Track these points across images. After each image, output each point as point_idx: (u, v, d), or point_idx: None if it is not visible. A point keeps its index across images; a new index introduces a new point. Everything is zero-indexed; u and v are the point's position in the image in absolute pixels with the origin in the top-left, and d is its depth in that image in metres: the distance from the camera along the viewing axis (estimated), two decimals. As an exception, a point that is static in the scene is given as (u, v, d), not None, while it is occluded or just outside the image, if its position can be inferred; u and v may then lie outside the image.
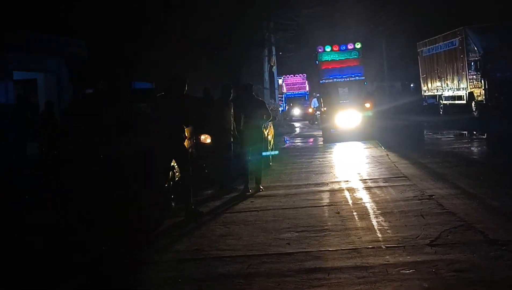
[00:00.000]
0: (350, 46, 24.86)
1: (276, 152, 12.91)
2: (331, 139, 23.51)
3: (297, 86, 49.44)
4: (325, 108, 25.04)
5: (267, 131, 16.88)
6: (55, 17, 21.86)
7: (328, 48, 25.01)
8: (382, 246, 8.03)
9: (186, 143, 11.33)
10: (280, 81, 48.68)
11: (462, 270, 6.77)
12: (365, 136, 22.90)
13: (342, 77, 24.69)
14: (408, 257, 7.41)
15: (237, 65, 30.51)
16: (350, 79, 24.62)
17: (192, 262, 7.92)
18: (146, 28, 25.50)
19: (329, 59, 24.99)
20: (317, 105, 33.88)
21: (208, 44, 28.94)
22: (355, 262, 7.37)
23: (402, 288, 6.35)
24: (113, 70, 24.80)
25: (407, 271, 6.85)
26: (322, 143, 24.16)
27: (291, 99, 47.35)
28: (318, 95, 33.60)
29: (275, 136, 21.21)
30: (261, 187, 13.49)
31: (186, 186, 11.26)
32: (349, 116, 23.84)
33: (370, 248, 7.99)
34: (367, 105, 23.62)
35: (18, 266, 8.39)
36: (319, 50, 25.27)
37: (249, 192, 13.12)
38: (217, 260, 7.90)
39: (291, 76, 48.22)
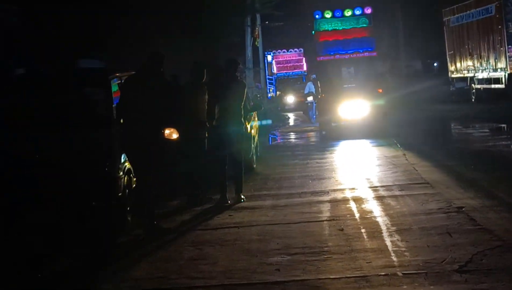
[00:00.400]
0: (357, 11, 23.73)
1: (269, 121, 12.45)
2: (331, 135, 22.30)
3: (291, 64, 48.09)
4: (323, 95, 23.70)
5: (250, 124, 16.95)
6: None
7: (328, 14, 23.82)
8: (398, 273, 8.17)
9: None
10: (269, 58, 47.92)
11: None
12: (376, 131, 21.45)
13: (346, 53, 23.56)
14: (431, 287, 7.53)
15: (212, 40, 30.44)
16: (358, 55, 23.54)
17: None
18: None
19: (330, 29, 23.84)
20: (313, 90, 31.79)
21: (176, 12, 28.92)
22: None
23: (424, 329, 6.47)
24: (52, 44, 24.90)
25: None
26: (319, 140, 23.45)
27: (284, 81, 46.77)
28: (314, 76, 32.38)
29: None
30: (242, 197, 13.43)
31: (147, 195, 11.38)
32: (355, 105, 22.08)
33: (383, 275, 8.12)
34: (379, 90, 22.22)
35: None
36: (317, 16, 24.05)
37: (227, 203, 13.20)
38: (187, 294, 8.01)
39: (284, 52, 47.21)
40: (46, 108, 11.92)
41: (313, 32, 24.66)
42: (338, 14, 23.32)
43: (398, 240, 9.70)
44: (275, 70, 46.74)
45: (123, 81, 12.34)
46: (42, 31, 24.69)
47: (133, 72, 12.31)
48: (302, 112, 42.34)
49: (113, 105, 11.86)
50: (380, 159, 18.31)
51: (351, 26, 23.44)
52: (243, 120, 13.83)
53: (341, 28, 23.41)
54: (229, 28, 33.54)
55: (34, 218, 10.57)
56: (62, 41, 25.36)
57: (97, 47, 27.96)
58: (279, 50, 46.86)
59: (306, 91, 37.00)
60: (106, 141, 11.28)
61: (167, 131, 13.82)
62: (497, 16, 34.53)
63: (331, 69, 23.16)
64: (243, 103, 13.66)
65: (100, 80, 12.72)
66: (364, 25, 23.37)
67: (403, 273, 8.09)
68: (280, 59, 46.30)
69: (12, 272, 9.34)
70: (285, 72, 44.08)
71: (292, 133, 29.98)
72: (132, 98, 11.08)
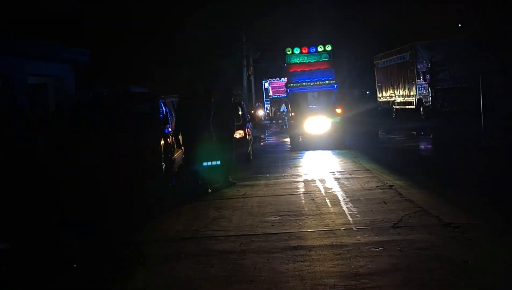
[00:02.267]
0: (320, 48, 21.70)
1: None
2: (299, 147, 20.76)
3: (282, 89, 47.11)
4: (293, 113, 21.84)
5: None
6: (63, 27, 21.77)
7: (297, 50, 21.86)
8: (353, 227, 8.28)
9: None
10: (266, 85, 45.97)
11: (422, 248, 7.02)
12: (336, 143, 20.05)
13: (311, 81, 21.41)
14: (376, 237, 7.65)
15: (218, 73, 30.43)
16: (320, 82, 21.35)
17: (191, 241, 8.06)
18: (139, 42, 25.27)
19: (298, 62, 21.81)
20: (286, 110, 30.43)
21: (193, 55, 28.80)
22: (331, 241, 7.59)
23: (373, 263, 6.55)
24: (113, 76, 24.75)
25: (376, 249, 7.08)
26: (289, 149, 21.44)
27: (277, 101, 44.15)
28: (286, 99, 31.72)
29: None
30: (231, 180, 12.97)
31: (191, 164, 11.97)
32: (318, 122, 20.58)
33: (343, 229, 8.21)
34: (338, 110, 20.90)
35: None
36: (288, 52, 22.07)
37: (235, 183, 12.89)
38: (212, 239, 8.07)
39: (277, 80, 44.59)
40: (121, 115, 11.88)
41: (284, 64, 22.66)
42: (304, 50, 21.57)
43: (351, 207, 9.73)
44: (270, 93, 44.80)
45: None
46: (106, 65, 24.60)
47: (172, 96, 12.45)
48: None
49: (160, 117, 11.89)
50: (335, 156, 17.85)
51: (315, 60, 21.45)
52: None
53: (307, 62, 21.52)
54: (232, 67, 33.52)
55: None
56: (119, 72, 25.32)
57: (143, 76, 27.93)
58: (273, 79, 44.30)
59: (281, 110, 36.45)
60: (151, 135, 11.16)
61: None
62: (410, 60, 34.67)
63: (298, 93, 21.36)
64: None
65: (149, 100, 12.65)
66: (326, 59, 21.40)
67: (356, 228, 8.20)
68: (274, 85, 43.96)
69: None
70: (278, 95, 42.20)
71: (274, 137, 29.87)
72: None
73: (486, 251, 6.74)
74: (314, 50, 21.46)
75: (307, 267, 6.50)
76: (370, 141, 22.06)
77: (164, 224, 9.31)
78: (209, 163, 12.10)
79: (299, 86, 21.42)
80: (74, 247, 8.03)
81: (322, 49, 21.37)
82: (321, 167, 15.60)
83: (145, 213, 10.15)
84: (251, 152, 17.78)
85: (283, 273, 6.37)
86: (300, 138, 20.87)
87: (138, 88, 27.16)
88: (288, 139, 22.90)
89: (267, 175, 14.53)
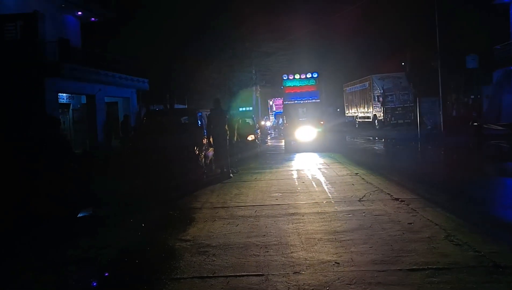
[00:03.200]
0: (308, 75, 20.82)
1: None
2: (291, 149, 19.70)
3: (282, 106, 46.18)
4: (287, 124, 20.89)
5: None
6: (132, 65, 22.00)
7: (291, 76, 20.98)
8: (331, 201, 8.39)
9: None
10: (270, 103, 44.71)
11: (379, 214, 7.15)
12: (319, 146, 19.10)
13: (302, 100, 20.53)
14: (347, 207, 7.77)
15: (235, 95, 30.44)
16: (308, 101, 20.41)
17: (222, 209, 8.19)
18: (181, 76, 25.26)
19: (291, 85, 20.91)
20: (281, 122, 30.15)
21: (217, 84, 28.81)
22: (317, 210, 7.71)
23: (346, 224, 6.70)
24: (164, 97, 24.96)
25: (348, 215, 7.22)
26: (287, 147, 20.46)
27: (279, 115, 41.90)
28: (281, 113, 30.61)
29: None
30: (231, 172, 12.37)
31: (222, 158, 12.05)
32: (306, 130, 19.65)
33: (325, 202, 8.34)
34: (321, 122, 19.98)
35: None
36: (284, 77, 21.16)
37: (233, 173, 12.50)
38: (236, 208, 8.18)
39: (278, 99, 43.06)
40: (173, 124, 12.06)
41: (281, 87, 21.68)
42: (297, 76, 20.77)
43: (330, 187, 9.84)
44: (274, 109, 43.43)
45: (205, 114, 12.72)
46: (158, 89, 24.76)
47: (205, 110, 12.54)
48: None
49: (199, 124, 12.05)
50: (317, 155, 17.56)
51: (304, 84, 20.59)
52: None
53: (298, 85, 20.66)
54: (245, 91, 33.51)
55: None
56: (167, 94, 25.46)
57: (183, 97, 28.10)
58: (276, 98, 42.69)
59: (279, 122, 36.14)
60: (194, 138, 11.28)
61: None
62: (369, 88, 34.73)
63: (292, 109, 20.45)
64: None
65: (192, 113, 12.79)
66: (313, 83, 20.51)
67: (334, 201, 8.32)
68: (277, 103, 42.45)
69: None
70: (280, 110, 40.63)
71: (274, 140, 29.97)
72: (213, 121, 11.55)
73: (423, 217, 6.86)
74: (304, 76, 20.86)
75: (302, 227, 6.66)
76: (343, 145, 21.92)
77: (202, 197, 9.40)
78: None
79: (292, 103, 20.71)
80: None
81: (310, 75, 20.75)
82: (307, 161, 15.59)
83: (189, 189, 10.33)
84: (259, 150, 17.93)
85: (285, 230, 6.53)
86: (292, 143, 20.01)
87: (180, 105, 27.42)
88: (283, 143, 22.04)
89: (271, 166, 14.59)
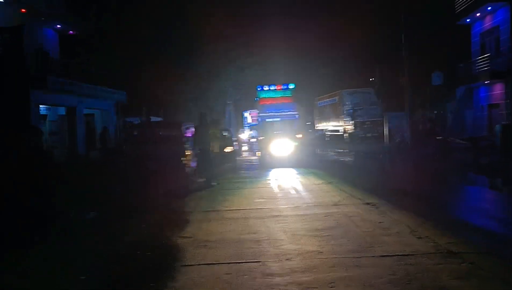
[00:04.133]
0: (284, 86, 19.83)
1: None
2: (266, 164, 18.66)
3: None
4: (262, 137, 19.83)
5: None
6: (109, 78, 22.66)
7: (266, 87, 19.96)
8: (310, 205, 9.43)
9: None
10: (245, 114, 42.34)
11: (353, 215, 8.23)
12: (296, 161, 18.40)
13: (277, 112, 19.49)
14: (325, 210, 8.82)
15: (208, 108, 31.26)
16: (284, 113, 19.40)
17: (212, 212, 9.07)
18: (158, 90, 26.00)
19: (266, 96, 19.94)
20: (256, 135, 27.52)
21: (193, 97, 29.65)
22: (298, 212, 8.73)
23: (325, 223, 7.75)
24: (140, 109, 25.67)
25: (326, 216, 8.27)
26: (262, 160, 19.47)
27: (253, 127, 41.46)
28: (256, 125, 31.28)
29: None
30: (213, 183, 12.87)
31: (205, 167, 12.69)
32: (282, 144, 18.76)
33: (304, 206, 9.38)
34: (299, 136, 19.21)
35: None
36: (259, 88, 20.12)
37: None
38: (225, 212, 9.07)
39: (255, 111, 42.64)
40: (160, 136, 12.92)
41: (256, 98, 20.71)
42: (272, 87, 19.94)
43: (307, 194, 10.91)
44: (250, 120, 41.26)
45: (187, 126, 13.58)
46: (135, 102, 25.46)
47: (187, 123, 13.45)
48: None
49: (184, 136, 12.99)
50: (292, 168, 17.69)
51: (280, 95, 19.83)
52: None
53: (274, 96, 19.88)
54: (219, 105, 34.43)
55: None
56: (144, 106, 26.17)
57: (159, 110, 28.79)
58: (252, 110, 39.74)
59: (252, 135, 33.89)
60: (181, 148, 12.13)
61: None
62: (338, 102, 35.72)
63: (267, 122, 19.67)
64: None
65: (177, 125, 13.68)
66: (289, 95, 19.79)
67: (313, 205, 9.37)
68: (253, 114, 40.94)
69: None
70: (255, 123, 40.67)
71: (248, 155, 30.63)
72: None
73: (391, 217, 7.98)
74: (279, 87, 19.93)
75: (286, 225, 7.67)
76: (315, 158, 22.65)
77: (192, 203, 10.28)
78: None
79: (267, 115, 19.68)
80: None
81: (286, 86, 19.86)
82: (284, 172, 16.42)
83: (177, 195, 11.18)
84: (237, 162, 18.82)
85: (273, 228, 7.52)
86: (267, 156, 18.93)
87: (155, 117, 28.16)
88: (257, 157, 20.95)
89: (250, 176, 15.47)
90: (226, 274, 5.34)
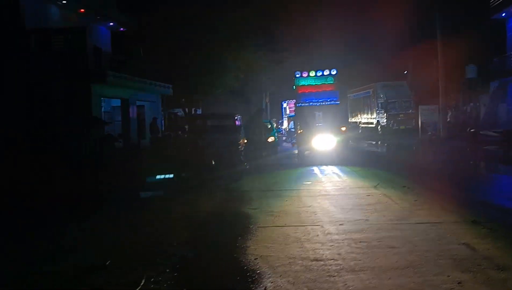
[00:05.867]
0: (326, 72, 18.04)
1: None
2: (304, 160, 17.22)
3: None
4: (301, 130, 18.22)
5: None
6: (155, 71, 24.50)
7: (305, 73, 18.23)
8: (353, 187, 10.92)
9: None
10: (284, 105, 41.20)
11: (391, 195, 9.70)
12: (339, 158, 16.67)
13: (318, 101, 17.86)
14: (366, 191, 10.29)
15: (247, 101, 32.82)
16: (326, 103, 17.82)
17: (268, 191, 10.71)
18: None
19: (306, 84, 18.14)
20: (292, 127, 28.46)
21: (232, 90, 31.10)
22: (343, 192, 10.26)
23: (367, 200, 9.26)
24: (185, 101, 27.52)
25: (368, 195, 9.79)
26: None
27: (292, 118, 35.65)
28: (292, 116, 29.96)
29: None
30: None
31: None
32: (323, 139, 17.11)
33: (348, 188, 10.85)
34: (343, 128, 17.91)
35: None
36: (297, 75, 18.40)
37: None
38: (279, 191, 10.70)
39: (293, 101, 37.71)
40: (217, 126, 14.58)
41: (294, 86, 18.73)
42: (312, 73, 18.04)
43: (348, 178, 12.43)
44: (288, 112, 39.78)
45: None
46: (180, 95, 27.25)
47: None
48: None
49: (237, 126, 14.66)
50: (335, 164, 16.55)
51: (321, 83, 17.94)
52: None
53: (314, 84, 17.99)
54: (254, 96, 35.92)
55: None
56: (187, 99, 27.98)
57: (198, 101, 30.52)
58: (290, 100, 38.17)
59: (289, 127, 33.86)
60: (235, 136, 13.74)
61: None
62: (372, 95, 36.90)
63: (306, 113, 17.92)
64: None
65: (231, 116, 15.33)
66: (331, 82, 17.91)
67: (356, 187, 10.85)
68: (291, 105, 37.69)
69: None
70: (294, 113, 37.81)
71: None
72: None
73: (424, 196, 9.47)
74: (320, 73, 18.20)
75: (335, 202, 9.28)
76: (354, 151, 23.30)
77: (248, 184, 11.94)
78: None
79: (307, 105, 18.10)
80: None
81: (328, 72, 18.11)
82: (325, 161, 16.50)
83: (233, 178, 12.86)
84: (278, 150, 20.35)
85: (324, 204, 9.13)
86: (307, 152, 17.59)
87: (198, 110, 30.00)
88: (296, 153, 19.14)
89: (294, 163, 16.89)
90: (294, 233, 6.98)
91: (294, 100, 33.42)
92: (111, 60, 22.34)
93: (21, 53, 17.73)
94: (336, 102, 18.06)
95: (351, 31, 36.23)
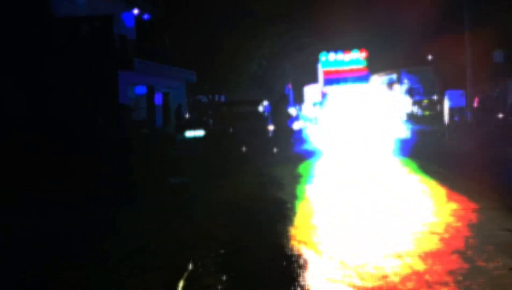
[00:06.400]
0: (354, 53, 16.66)
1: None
2: (332, 151, 14.90)
3: None
4: (327, 117, 16.22)
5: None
6: (179, 58, 24.64)
7: (331, 55, 16.71)
8: (388, 175, 10.86)
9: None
10: (308, 90, 36.65)
11: (424, 182, 9.61)
12: (373, 146, 14.88)
13: (346, 84, 16.29)
14: (400, 179, 10.23)
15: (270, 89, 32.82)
16: (356, 86, 16.11)
17: (284, 179, 10.73)
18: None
19: (333, 67, 16.65)
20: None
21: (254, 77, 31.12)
22: (377, 179, 10.23)
23: (402, 188, 9.19)
24: (209, 88, 27.63)
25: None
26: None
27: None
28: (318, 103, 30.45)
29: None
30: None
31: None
32: (356, 125, 15.19)
33: (381, 174, 10.81)
34: (379, 116, 15.75)
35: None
36: (322, 58, 16.98)
37: None
38: (287, 177, 10.75)
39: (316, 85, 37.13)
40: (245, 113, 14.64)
41: (318, 69, 17.19)
42: (339, 55, 16.55)
43: (380, 166, 12.35)
44: (312, 98, 39.08)
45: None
46: (204, 82, 27.34)
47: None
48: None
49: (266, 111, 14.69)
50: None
51: (349, 65, 16.56)
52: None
53: (341, 66, 16.61)
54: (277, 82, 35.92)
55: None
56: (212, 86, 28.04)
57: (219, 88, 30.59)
58: (313, 84, 36.50)
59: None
60: (264, 123, 13.76)
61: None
62: (396, 80, 36.38)
63: (334, 97, 15.96)
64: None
65: (260, 102, 15.33)
66: (361, 63, 16.62)
67: (390, 175, 10.81)
68: (315, 91, 37.15)
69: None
70: (318, 101, 37.03)
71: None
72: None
73: (455, 182, 9.35)
74: (348, 54, 16.79)
75: (370, 189, 9.22)
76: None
77: (277, 169, 11.98)
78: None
79: (334, 89, 16.35)
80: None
81: (357, 54, 16.67)
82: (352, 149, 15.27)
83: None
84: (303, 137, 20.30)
85: (358, 191, 9.09)
86: (335, 141, 15.65)
87: (222, 97, 30.09)
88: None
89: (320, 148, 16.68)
90: (331, 218, 6.97)
91: (319, 85, 32.45)
92: (137, 48, 22.49)
93: (49, 42, 17.98)
94: (367, 86, 16.29)
95: (376, 15, 35.70)
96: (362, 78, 16.50)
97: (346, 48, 18.00)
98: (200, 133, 12.84)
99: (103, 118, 14.49)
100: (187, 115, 23.28)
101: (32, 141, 11.07)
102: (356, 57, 16.71)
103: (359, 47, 18.27)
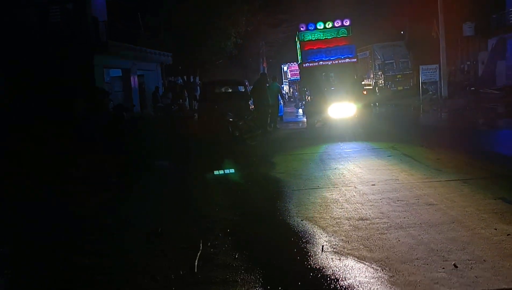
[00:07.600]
0: (337, 23, 14.95)
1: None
2: (316, 134, 14.18)
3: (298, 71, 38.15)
4: (311, 97, 15.33)
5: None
6: (156, 41, 24.28)
7: (311, 26, 14.99)
8: (372, 148, 11.07)
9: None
10: (285, 68, 38.57)
11: (413, 154, 9.85)
12: (364, 131, 13.59)
13: (329, 59, 14.68)
14: (386, 151, 10.47)
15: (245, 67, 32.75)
16: (340, 61, 14.62)
17: (289, 155, 10.80)
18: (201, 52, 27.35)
19: (313, 39, 14.99)
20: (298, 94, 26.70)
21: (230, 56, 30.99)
22: (363, 154, 10.44)
23: (390, 161, 9.44)
24: (185, 70, 27.37)
25: (389, 156, 9.93)
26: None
27: (294, 82, 35.02)
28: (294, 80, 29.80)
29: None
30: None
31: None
32: (343, 106, 14.03)
33: (367, 149, 11.02)
34: (364, 92, 15.33)
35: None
36: (301, 28, 15.11)
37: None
38: (299, 155, 10.84)
39: (294, 64, 34.49)
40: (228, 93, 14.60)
41: (298, 43, 15.64)
42: (320, 26, 14.87)
43: (366, 138, 12.60)
44: (289, 75, 37.70)
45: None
46: (179, 64, 27.06)
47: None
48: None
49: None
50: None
51: (332, 36, 14.89)
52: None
53: (323, 38, 14.92)
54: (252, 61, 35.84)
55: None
56: (187, 68, 27.78)
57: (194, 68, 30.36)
58: (291, 63, 36.82)
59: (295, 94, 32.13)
60: (247, 103, 13.81)
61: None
62: (369, 56, 36.80)
63: (316, 74, 14.88)
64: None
65: (242, 83, 15.36)
66: (344, 34, 14.88)
67: (375, 148, 11.02)
68: (292, 68, 36.43)
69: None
70: (296, 77, 33.23)
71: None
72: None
73: (446, 154, 9.66)
74: (331, 24, 15.10)
75: (358, 163, 9.40)
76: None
77: (267, 148, 12.10)
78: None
79: (316, 65, 14.90)
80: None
81: (340, 24, 15.03)
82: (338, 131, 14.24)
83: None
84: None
85: (348, 165, 9.25)
86: (318, 124, 15.07)
87: (197, 79, 29.87)
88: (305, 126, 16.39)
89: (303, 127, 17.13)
90: (330, 194, 7.14)
91: (294, 63, 30.46)
92: (109, 30, 22.06)
93: (20, 26, 17.51)
94: (353, 60, 14.88)
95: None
96: (347, 51, 14.83)
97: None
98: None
99: (85, 103, 14.34)
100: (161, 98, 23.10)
101: (15, 131, 10.92)
102: (339, 27, 15.01)
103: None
